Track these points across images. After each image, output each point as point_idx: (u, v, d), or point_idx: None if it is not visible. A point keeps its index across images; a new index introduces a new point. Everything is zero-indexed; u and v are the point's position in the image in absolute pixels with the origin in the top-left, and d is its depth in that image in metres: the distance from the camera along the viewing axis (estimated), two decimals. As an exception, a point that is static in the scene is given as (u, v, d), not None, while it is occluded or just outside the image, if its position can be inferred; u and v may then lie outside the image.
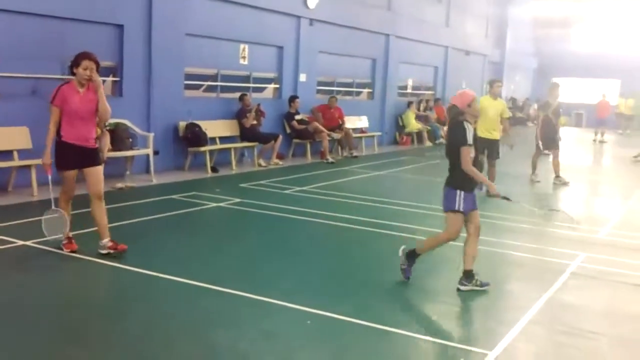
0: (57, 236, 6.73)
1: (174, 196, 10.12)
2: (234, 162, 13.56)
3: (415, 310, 5.81)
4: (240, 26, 14.36)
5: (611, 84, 36.33)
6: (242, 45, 14.75)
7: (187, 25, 12.99)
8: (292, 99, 15.74)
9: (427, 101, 22.82)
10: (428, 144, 21.30)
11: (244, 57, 14.87)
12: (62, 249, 6.71)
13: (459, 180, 5.96)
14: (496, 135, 11.47)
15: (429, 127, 21.73)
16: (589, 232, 9.01)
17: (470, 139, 5.83)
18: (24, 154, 9.95)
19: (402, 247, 6.35)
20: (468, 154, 5.85)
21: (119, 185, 10.42)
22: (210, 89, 14.53)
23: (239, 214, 9.37)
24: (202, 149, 12.70)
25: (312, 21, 16.50)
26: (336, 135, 16.50)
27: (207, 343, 4.73)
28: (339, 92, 19.10)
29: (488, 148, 11.29)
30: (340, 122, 16.87)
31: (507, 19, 31.79)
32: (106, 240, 6.62)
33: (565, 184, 13.30)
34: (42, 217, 6.80)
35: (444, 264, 7.34)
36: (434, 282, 6.71)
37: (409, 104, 21.31)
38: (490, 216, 9.79)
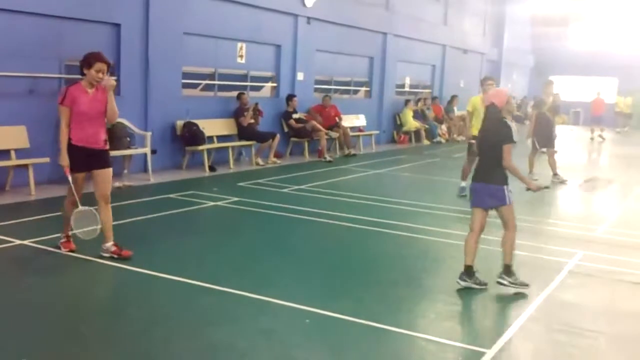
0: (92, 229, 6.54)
1: (171, 195, 10.11)
2: (231, 161, 13.55)
3: (413, 309, 5.81)
4: (237, 25, 14.35)
5: (608, 82, 36.37)
6: (239, 44, 14.74)
7: (185, 24, 12.98)
8: (290, 97, 15.73)
9: (424, 100, 22.82)
10: (426, 142, 21.30)
11: (241, 56, 14.86)
12: (59, 248, 6.70)
13: (503, 176, 6.09)
14: None
15: (426, 126, 21.73)
16: (586, 230, 9.02)
17: (516, 137, 6.00)
18: (21, 153, 9.94)
19: (499, 279, 6.21)
20: (511, 151, 6.00)
21: (117, 184, 10.39)
22: (207, 87, 14.52)
23: (237, 212, 9.37)
24: (200, 147, 12.70)
25: (309, 20, 16.50)
26: (334, 134, 16.50)
27: (206, 341, 4.73)
28: (336, 90, 19.11)
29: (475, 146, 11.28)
30: (337, 120, 16.86)
31: (504, 17, 31.79)
32: (110, 244, 6.56)
33: (562, 182, 13.31)
34: (74, 220, 6.52)
35: (441, 263, 7.35)
36: (432, 281, 6.72)
37: (407, 102, 21.31)
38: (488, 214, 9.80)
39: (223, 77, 14.59)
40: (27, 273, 6.15)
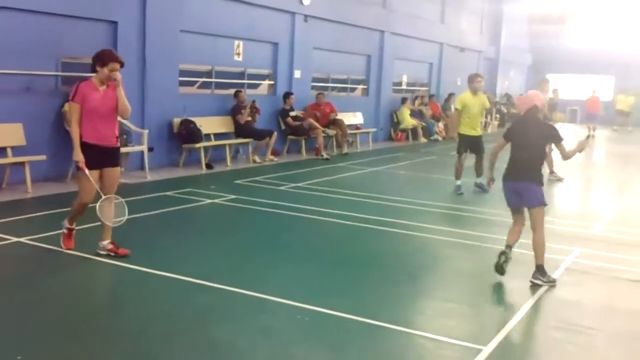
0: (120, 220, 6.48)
1: (168, 193, 10.10)
2: (228, 159, 13.54)
3: (410, 307, 5.82)
4: (234, 23, 14.34)
5: (605, 80, 36.41)
6: (236, 42, 14.72)
7: (182, 22, 12.96)
8: (287, 95, 15.73)
9: (422, 97, 22.83)
10: (423, 140, 21.31)
11: (238, 54, 14.84)
12: (61, 246, 6.63)
13: (541, 176, 6.38)
14: (479, 131, 11.40)
15: (423, 124, 21.74)
16: (583, 228, 9.04)
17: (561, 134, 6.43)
18: (17, 150, 9.92)
19: (534, 279, 6.32)
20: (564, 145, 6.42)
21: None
22: (204, 85, 14.50)
23: (234, 210, 9.37)
24: (197, 145, 12.69)
25: (306, 17, 16.48)
26: (331, 132, 16.49)
27: (204, 339, 4.73)
28: (333, 88, 19.11)
29: (472, 145, 11.25)
30: (332, 115, 16.77)
31: (502, 15, 31.78)
32: (107, 242, 6.54)
33: (559, 179, 13.32)
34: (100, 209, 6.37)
35: (438, 260, 7.36)
36: (429, 278, 6.73)
37: (404, 100, 21.31)
38: (483, 212, 9.83)
39: (220, 74, 14.58)
40: (24, 271, 6.14)
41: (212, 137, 13.53)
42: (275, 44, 15.87)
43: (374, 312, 5.36)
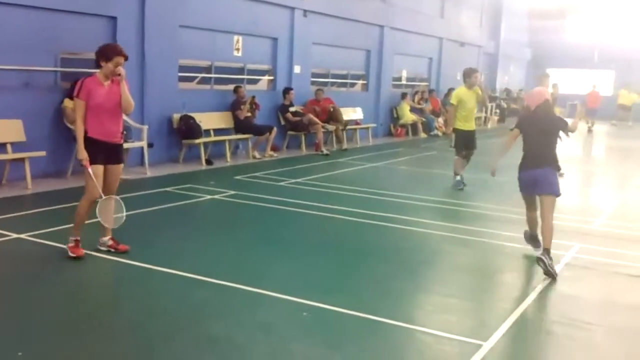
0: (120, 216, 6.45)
1: (168, 189, 10.10)
2: (228, 154, 13.54)
3: (410, 302, 5.82)
4: (234, 18, 14.31)
5: (606, 75, 36.38)
6: (236, 37, 14.70)
7: (181, 17, 12.94)
8: (287, 90, 15.71)
9: (422, 92, 22.81)
10: (423, 135, 21.30)
11: (238, 49, 14.82)
12: (67, 252, 6.36)
13: (557, 161, 6.83)
14: (473, 125, 11.31)
15: (423, 119, 21.73)
16: (583, 223, 9.04)
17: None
18: (17, 146, 9.91)
19: (542, 256, 6.38)
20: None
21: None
22: (204, 81, 14.49)
23: (234, 206, 9.36)
24: (197, 141, 12.68)
25: (306, 12, 16.45)
26: (330, 127, 16.47)
27: (203, 334, 4.73)
28: (333, 83, 19.09)
29: (467, 139, 11.20)
30: (331, 109, 16.72)
31: (501, 9, 31.75)
32: (107, 238, 6.54)
33: (560, 175, 13.29)
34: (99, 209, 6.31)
35: (438, 255, 7.36)
36: (428, 274, 6.73)
37: (404, 95, 21.29)
38: (483, 207, 9.82)
39: (220, 70, 14.56)
40: (24, 267, 6.13)
41: (211, 132, 13.52)
42: (275, 39, 15.84)
43: (374, 308, 5.36)
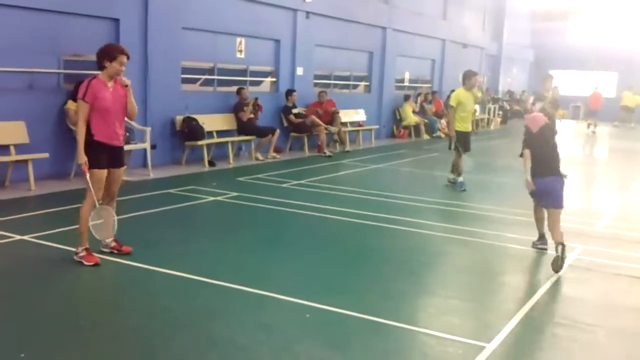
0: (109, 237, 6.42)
1: (171, 190, 10.11)
2: (231, 156, 13.54)
3: (412, 304, 5.82)
4: (236, 20, 14.33)
5: (608, 76, 36.34)
6: (238, 39, 14.72)
7: (184, 19, 12.96)
8: (289, 92, 15.71)
9: (425, 95, 22.80)
10: (425, 137, 21.29)
11: (240, 51, 14.84)
12: (81, 263, 6.21)
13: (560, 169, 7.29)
14: (469, 127, 11.40)
15: (426, 120, 21.71)
16: (586, 225, 9.03)
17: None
18: (20, 148, 9.92)
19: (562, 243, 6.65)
20: None
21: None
22: (207, 82, 14.50)
23: (237, 207, 9.37)
24: (200, 143, 12.69)
25: (308, 14, 16.46)
26: (333, 129, 16.47)
27: (206, 336, 4.74)
28: (336, 85, 19.09)
29: (463, 140, 11.22)
30: (333, 113, 16.72)
31: (504, 11, 31.74)
32: (110, 240, 6.54)
33: (564, 176, 13.27)
34: (91, 224, 6.23)
35: (441, 257, 7.36)
36: (431, 275, 6.73)
37: (407, 97, 21.28)
38: (486, 209, 9.81)
39: (222, 72, 14.57)
40: (27, 268, 6.15)
41: (214, 134, 13.53)
42: (278, 41, 15.85)
43: (376, 309, 5.36)
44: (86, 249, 6.25)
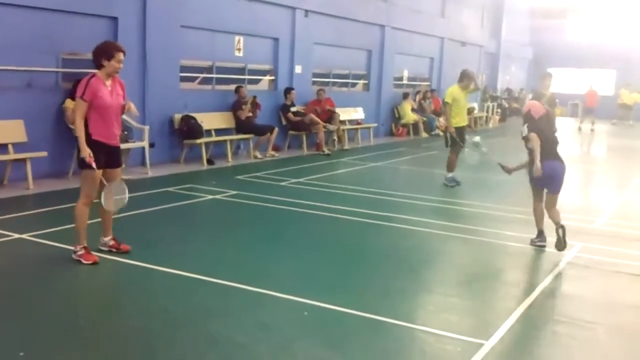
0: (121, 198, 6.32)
1: (169, 189, 10.11)
2: (229, 155, 13.54)
3: (411, 301, 5.82)
4: (235, 18, 14.31)
5: (607, 74, 36.36)
6: (237, 37, 14.70)
7: (182, 17, 12.94)
8: (288, 90, 15.70)
9: (424, 92, 22.79)
10: (424, 135, 21.29)
11: (239, 49, 14.82)
12: (80, 262, 6.18)
13: None
14: (465, 121, 11.56)
15: (424, 118, 21.71)
16: (585, 222, 9.03)
17: None
18: (19, 147, 9.91)
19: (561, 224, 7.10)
20: None
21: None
22: (205, 81, 14.49)
23: (235, 206, 9.37)
24: (198, 141, 12.69)
25: (307, 12, 16.45)
26: (332, 127, 16.46)
27: (204, 334, 4.73)
28: (334, 83, 19.08)
29: (460, 134, 11.27)
30: (331, 112, 16.72)
31: (502, 9, 31.72)
32: (108, 238, 6.54)
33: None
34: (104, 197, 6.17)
35: (439, 255, 7.36)
36: (429, 273, 6.73)
37: (405, 95, 21.27)
38: (484, 206, 9.82)
39: (221, 70, 14.56)
40: (25, 267, 6.14)
41: (213, 132, 13.53)
42: (276, 39, 15.84)
43: (375, 307, 5.37)
44: (84, 248, 6.23)
